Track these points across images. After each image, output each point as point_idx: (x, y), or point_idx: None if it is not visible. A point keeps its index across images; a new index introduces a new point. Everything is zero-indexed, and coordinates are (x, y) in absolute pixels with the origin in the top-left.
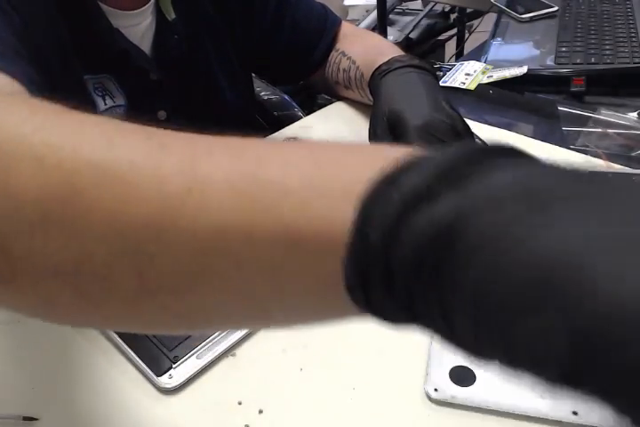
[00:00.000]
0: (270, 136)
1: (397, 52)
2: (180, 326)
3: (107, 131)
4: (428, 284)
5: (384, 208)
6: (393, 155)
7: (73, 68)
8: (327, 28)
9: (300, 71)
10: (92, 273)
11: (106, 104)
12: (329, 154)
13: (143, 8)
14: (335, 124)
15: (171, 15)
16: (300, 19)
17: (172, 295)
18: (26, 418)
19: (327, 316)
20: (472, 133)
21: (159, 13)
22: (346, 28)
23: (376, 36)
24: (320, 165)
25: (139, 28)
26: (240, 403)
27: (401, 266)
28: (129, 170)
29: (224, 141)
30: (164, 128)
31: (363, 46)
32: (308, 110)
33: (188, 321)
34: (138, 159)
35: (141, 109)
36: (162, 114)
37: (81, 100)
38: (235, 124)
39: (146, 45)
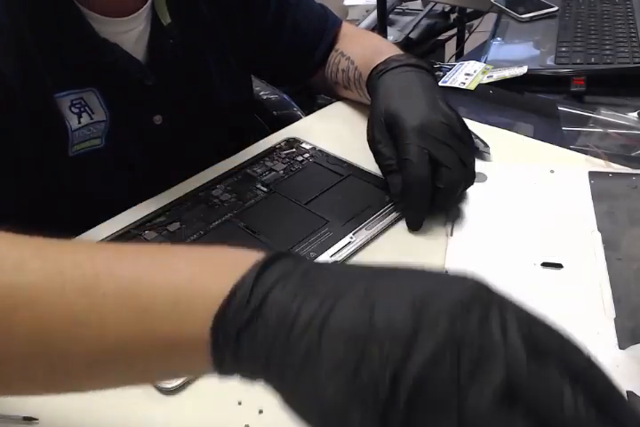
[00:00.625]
0: (270, 136)
1: (396, 51)
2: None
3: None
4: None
5: (227, 326)
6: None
7: (39, 86)
8: (327, 28)
9: (300, 72)
10: (13, 367)
11: (80, 122)
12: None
13: (136, 14)
14: (335, 125)
15: (166, 20)
16: (301, 20)
17: (79, 380)
18: (26, 418)
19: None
20: (469, 133)
21: (154, 18)
22: (345, 28)
23: (375, 36)
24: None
25: (131, 34)
26: (240, 403)
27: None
28: (39, 293)
29: (116, 262)
30: (159, 134)
31: (361, 46)
32: (308, 110)
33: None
34: (44, 285)
35: (136, 115)
36: (157, 118)
37: (47, 120)
38: (232, 124)
39: (139, 51)
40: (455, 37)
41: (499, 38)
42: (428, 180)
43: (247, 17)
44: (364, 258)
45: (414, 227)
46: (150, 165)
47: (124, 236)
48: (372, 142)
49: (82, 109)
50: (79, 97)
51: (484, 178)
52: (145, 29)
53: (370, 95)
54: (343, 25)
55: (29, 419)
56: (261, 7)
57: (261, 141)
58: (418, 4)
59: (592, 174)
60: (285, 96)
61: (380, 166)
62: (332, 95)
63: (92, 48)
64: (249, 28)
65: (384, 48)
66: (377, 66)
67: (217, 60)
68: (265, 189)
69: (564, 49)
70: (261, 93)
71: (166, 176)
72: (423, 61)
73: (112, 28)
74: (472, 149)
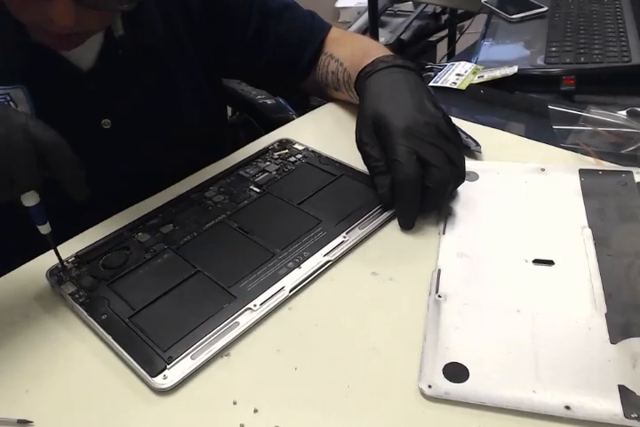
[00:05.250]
0: (262, 138)
1: (385, 52)
2: None
3: None
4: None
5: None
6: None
7: None
8: (314, 34)
9: (288, 80)
10: None
11: None
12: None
13: None
14: (327, 125)
15: (118, 32)
16: (285, 29)
17: None
18: (20, 421)
19: None
20: (457, 131)
21: (108, 29)
22: (335, 32)
23: (364, 38)
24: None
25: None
26: (235, 403)
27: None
28: None
29: None
30: (109, 137)
31: (350, 48)
32: (301, 112)
33: None
34: None
35: (80, 117)
36: (106, 122)
37: None
38: (199, 137)
39: (87, 59)
40: (446, 38)
41: (489, 39)
42: (418, 179)
43: (227, 35)
44: (358, 257)
45: (406, 226)
46: (100, 166)
47: (117, 238)
48: (360, 144)
49: (5, 102)
50: (6, 92)
51: (475, 177)
52: (97, 38)
53: (358, 96)
54: (332, 30)
55: (24, 422)
56: (242, 24)
57: (254, 143)
58: (409, 6)
59: (582, 172)
60: (281, 100)
61: (368, 168)
62: (323, 97)
63: (22, 51)
64: (232, 44)
65: (372, 49)
66: (364, 67)
67: (184, 75)
68: (258, 190)
69: (553, 49)
70: (257, 98)
71: (119, 179)
72: (410, 62)
73: None
74: (460, 148)
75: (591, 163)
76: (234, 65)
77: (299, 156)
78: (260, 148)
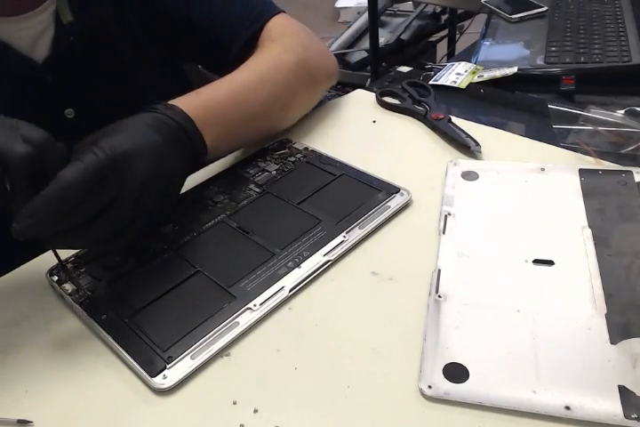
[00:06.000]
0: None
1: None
2: None
3: None
4: None
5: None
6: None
7: None
8: (248, 22)
9: (224, 66)
10: None
11: None
12: None
13: (29, 13)
14: (327, 125)
15: (67, 18)
16: (213, 16)
17: None
18: (20, 421)
19: None
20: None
21: (58, 17)
22: (280, 25)
23: (272, 54)
24: None
25: (27, 33)
26: (235, 403)
27: None
28: None
29: None
30: (73, 127)
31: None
32: None
33: None
34: None
35: (46, 109)
36: (69, 112)
37: None
38: None
39: (41, 49)
40: (446, 38)
41: (489, 39)
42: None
43: (162, 21)
44: (358, 257)
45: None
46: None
47: None
48: None
49: None
50: None
51: (475, 176)
52: (47, 28)
53: None
54: (280, 19)
55: (24, 422)
56: (172, 10)
57: None
58: (409, 6)
59: (582, 172)
60: None
61: None
62: None
63: None
64: (169, 29)
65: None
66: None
67: (139, 60)
68: (258, 190)
69: (553, 48)
70: None
71: None
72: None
73: (2, 26)
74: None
75: (591, 162)
76: (180, 49)
77: (298, 155)
78: (260, 147)
